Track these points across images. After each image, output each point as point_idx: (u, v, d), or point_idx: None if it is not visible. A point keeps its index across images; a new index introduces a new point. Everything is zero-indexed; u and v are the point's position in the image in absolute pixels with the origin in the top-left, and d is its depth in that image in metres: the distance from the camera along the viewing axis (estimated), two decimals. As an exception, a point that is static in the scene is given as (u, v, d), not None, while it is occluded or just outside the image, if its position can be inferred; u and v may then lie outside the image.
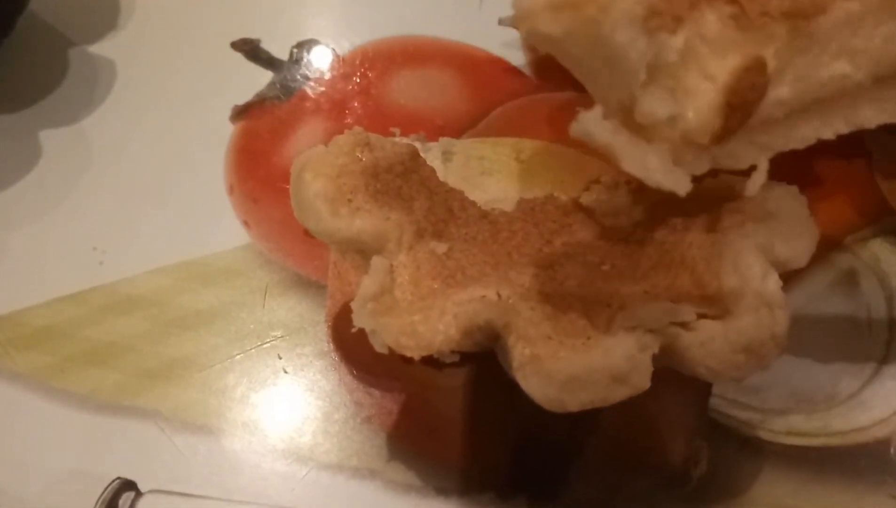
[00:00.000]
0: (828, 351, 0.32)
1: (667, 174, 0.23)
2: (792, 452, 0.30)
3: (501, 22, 0.34)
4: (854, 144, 0.37)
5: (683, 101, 0.22)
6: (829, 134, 0.26)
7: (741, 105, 0.22)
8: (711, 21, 0.22)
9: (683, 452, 0.30)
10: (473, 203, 0.29)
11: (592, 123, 0.23)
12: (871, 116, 0.26)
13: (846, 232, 0.35)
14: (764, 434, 0.31)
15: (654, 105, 0.22)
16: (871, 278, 0.34)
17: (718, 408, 0.31)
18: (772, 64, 0.23)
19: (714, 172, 0.27)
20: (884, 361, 0.32)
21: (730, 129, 0.22)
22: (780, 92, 0.24)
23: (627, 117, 0.23)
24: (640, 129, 0.23)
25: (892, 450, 0.30)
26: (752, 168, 0.25)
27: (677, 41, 0.22)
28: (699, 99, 0.22)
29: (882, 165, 0.37)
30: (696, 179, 0.28)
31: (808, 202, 0.27)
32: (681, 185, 0.23)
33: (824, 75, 0.24)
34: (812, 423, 0.31)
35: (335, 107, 0.39)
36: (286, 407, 0.31)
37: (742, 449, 0.30)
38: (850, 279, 0.34)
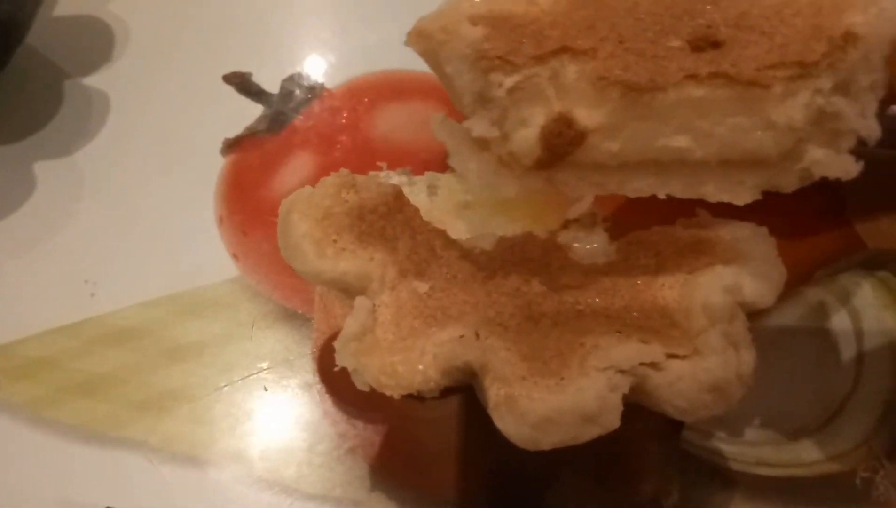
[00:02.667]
0: (797, 384, 0.33)
1: (483, 178, 0.28)
2: (761, 482, 0.31)
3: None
4: (825, 180, 0.38)
5: (515, 127, 0.26)
6: (663, 193, 0.27)
7: (550, 146, 0.26)
8: (571, 72, 0.26)
9: (655, 482, 0.31)
10: (455, 242, 0.30)
11: (438, 123, 0.28)
12: (712, 193, 0.27)
13: (817, 266, 0.36)
14: (734, 465, 0.32)
15: (475, 126, 0.27)
16: (840, 311, 0.35)
17: (690, 440, 0.32)
18: (598, 120, 0.26)
19: (690, 216, 0.29)
20: (851, 394, 0.33)
21: (547, 161, 0.26)
22: (611, 146, 0.26)
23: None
24: (477, 143, 0.27)
25: (857, 480, 0.31)
26: (692, 210, 0.29)
27: (508, 82, 0.26)
28: (527, 129, 0.26)
29: (856, 201, 0.38)
30: (669, 224, 0.29)
31: (781, 237, 0.28)
32: (506, 187, 0.27)
33: (661, 144, 0.26)
34: (781, 454, 0.32)
35: (324, 141, 0.41)
36: (272, 438, 0.32)
37: (713, 479, 0.31)
38: (820, 313, 0.35)
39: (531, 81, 0.26)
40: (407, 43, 0.28)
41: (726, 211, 0.28)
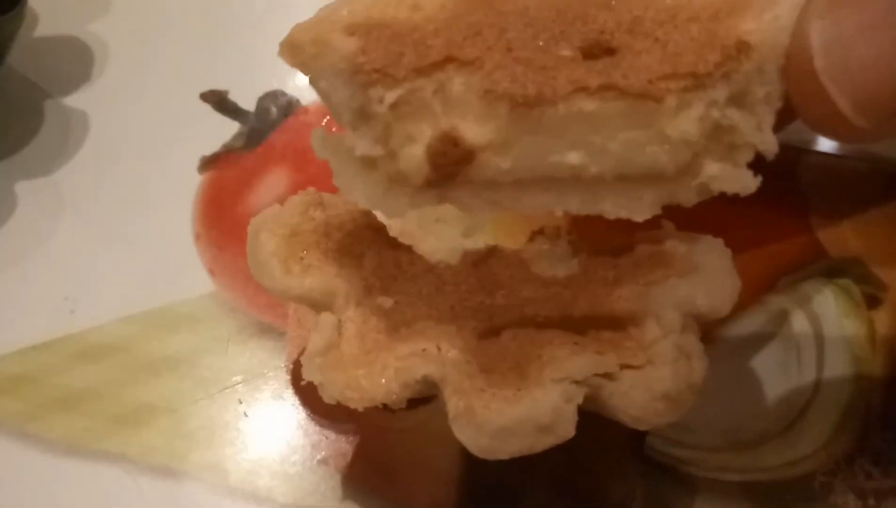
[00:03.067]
0: (759, 390, 0.34)
1: (371, 199, 0.26)
2: (723, 487, 0.32)
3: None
4: (789, 189, 0.39)
5: (401, 144, 0.25)
6: (560, 210, 0.26)
7: (436, 166, 0.24)
8: (457, 84, 0.24)
9: (621, 488, 0.32)
10: (421, 258, 0.31)
11: (318, 140, 0.26)
12: (610, 209, 0.26)
13: (780, 274, 0.37)
14: (697, 471, 0.33)
15: (357, 144, 0.25)
16: (802, 318, 0.36)
17: (654, 446, 0.33)
18: (487, 137, 0.24)
19: (653, 227, 0.29)
20: (812, 399, 0.34)
21: (436, 180, 0.25)
22: (502, 162, 0.24)
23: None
24: (363, 162, 0.25)
25: (816, 484, 0.32)
26: (657, 222, 0.28)
27: (389, 97, 0.24)
28: (414, 147, 0.24)
29: (819, 210, 0.39)
30: (626, 238, 0.30)
31: (745, 245, 0.29)
32: (396, 208, 0.26)
33: (554, 161, 0.25)
34: (743, 459, 0.33)
35: (299, 156, 0.41)
36: (246, 450, 0.33)
37: (676, 485, 0.32)
38: (782, 320, 0.36)
39: (415, 95, 0.24)
40: (279, 54, 0.26)
41: (691, 221, 0.28)
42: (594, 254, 0.30)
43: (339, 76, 0.24)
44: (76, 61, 0.45)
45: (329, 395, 0.27)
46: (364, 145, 0.25)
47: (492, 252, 0.31)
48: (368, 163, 0.25)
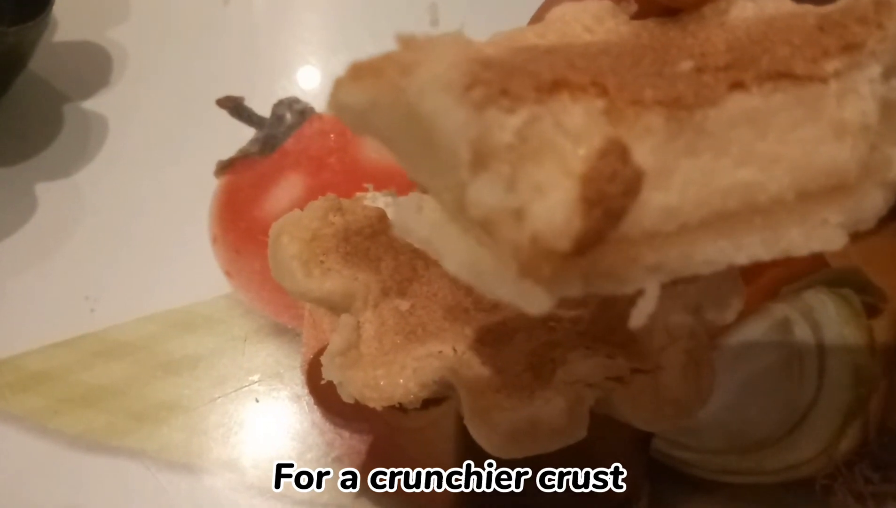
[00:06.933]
0: (762, 395, 0.35)
1: (508, 285, 0.17)
2: (727, 489, 0.33)
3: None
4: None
5: (530, 195, 0.17)
6: (743, 258, 0.19)
7: (602, 200, 0.16)
8: (575, 113, 0.17)
9: (626, 489, 0.33)
10: (435, 262, 0.32)
11: (409, 214, 0.20)
12: (799, 242, 0.20)
13: (783, 283, 0.38)
14: (701, 473, 0.34)
15: (484, 193, 0.17)
16: (804, 326, 0.37)
17: (659, 448, 0.34)
18: (648, 161, 0.18)
19: None
20: (813, 404, 0.35)
21: (594, 232, 0.16)
22: (666, 198, 0.18)
23: (462, 216, 0.18)
24: (480, 230, 0.17)
25: (816, 487, 0.33)
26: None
27: (514, 121, 0.17)
28: (551, 194, 0.16)
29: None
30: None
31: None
32: (533, 301, 0.17)
33: (725, 183, 0.19)
34: (746, 462, 0.34)
35: (313, 162, 0.42)
36: (263, 447, 0.34)
37: (680, 486, 0.33)
38: (784, 327, 0.37)
39: (534, 128, 0.17)
40: (338, 100, 0.18)
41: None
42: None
43: (450, 91, 0.17)
44: (95, 66, 0.46)
45: (348, 394, 0.28)
46: (492, 195, 0.16)
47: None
48: (475, 234, 0.18)
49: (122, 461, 0.34)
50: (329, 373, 0.28)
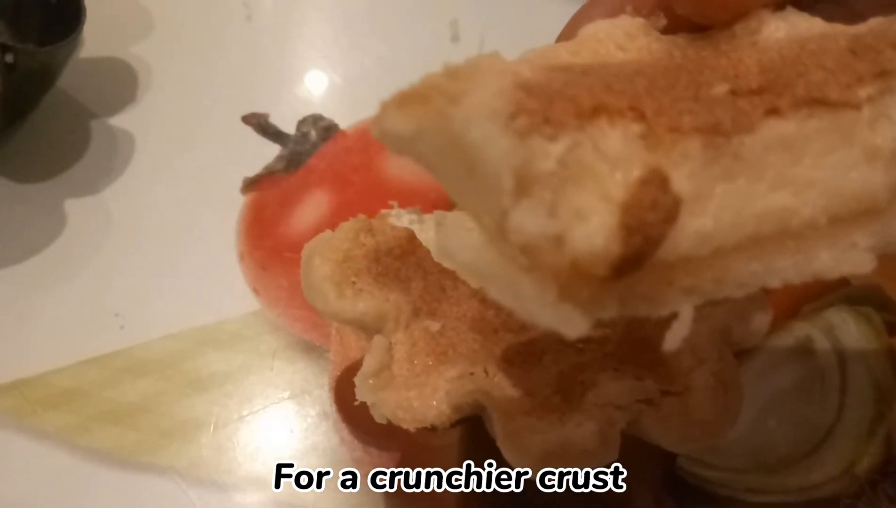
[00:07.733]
0: (784, 414, 0.36)
1: (547, 309, 0.18)
2: (750, 507, 0.33)
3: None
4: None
5: (571, 221, 0.17)
6: (775, 282, 0.20)
7: (641, 227, 0.17)
8: (613, 138, 0.18)
9: (651, 506, 0.33)
10: (464, 282, 0.33)
11: (453, 238, 0.20)
12: (829, 264, 0.20)
13: (804, 302, 0.38)
14: (725, 491, 0.34)
15: (526, 221, 0.17)
16: (825, 345, 0.37)
17: (684, 466, 0.34)
18: (685, 187, 0.18)
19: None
20: (836, 423, 0.35)
21: (633, 258, 0.17)
22: (702, 223, 0.19)
23: (503, 241, 0.18)
24: (520, 254, 0.18)
25: (840, 506, 0.33)
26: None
27: (556, 148, 0.17)
28: (591, 219, 0.17)
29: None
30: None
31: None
32: (571, 324, 0.18)
33: (759, 208, 0.20)
34: (769, 480, 0.34)
35: (338, 180, 0.43)
36: (292, 464, 0.34)
37: (705, 505, 0.33)
38: (806, 346, 0.37)
39: (573, 155, 0.18)
40: (383, 127, 0.18)
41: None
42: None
43: (495, 119, 0.17)
44: (121, 83, 0.47)
45: (380, 415, 0.28)
46: (534, 221, 0.17)
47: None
48: (518, 254, 0.18)
49: (152, 477, 0.34)
50: (362, 394, 0.28)
